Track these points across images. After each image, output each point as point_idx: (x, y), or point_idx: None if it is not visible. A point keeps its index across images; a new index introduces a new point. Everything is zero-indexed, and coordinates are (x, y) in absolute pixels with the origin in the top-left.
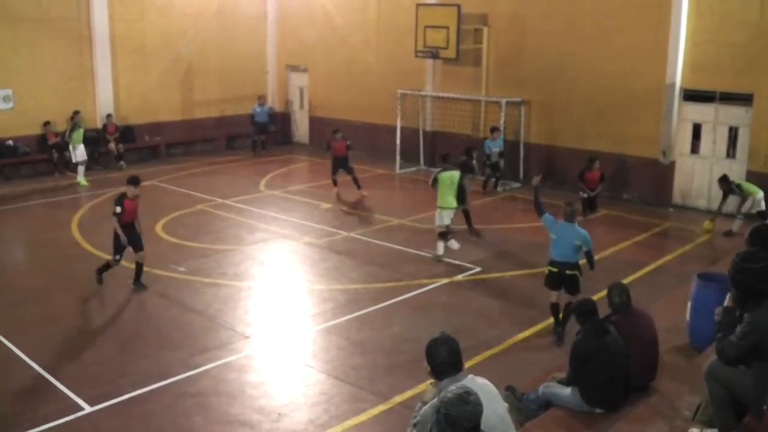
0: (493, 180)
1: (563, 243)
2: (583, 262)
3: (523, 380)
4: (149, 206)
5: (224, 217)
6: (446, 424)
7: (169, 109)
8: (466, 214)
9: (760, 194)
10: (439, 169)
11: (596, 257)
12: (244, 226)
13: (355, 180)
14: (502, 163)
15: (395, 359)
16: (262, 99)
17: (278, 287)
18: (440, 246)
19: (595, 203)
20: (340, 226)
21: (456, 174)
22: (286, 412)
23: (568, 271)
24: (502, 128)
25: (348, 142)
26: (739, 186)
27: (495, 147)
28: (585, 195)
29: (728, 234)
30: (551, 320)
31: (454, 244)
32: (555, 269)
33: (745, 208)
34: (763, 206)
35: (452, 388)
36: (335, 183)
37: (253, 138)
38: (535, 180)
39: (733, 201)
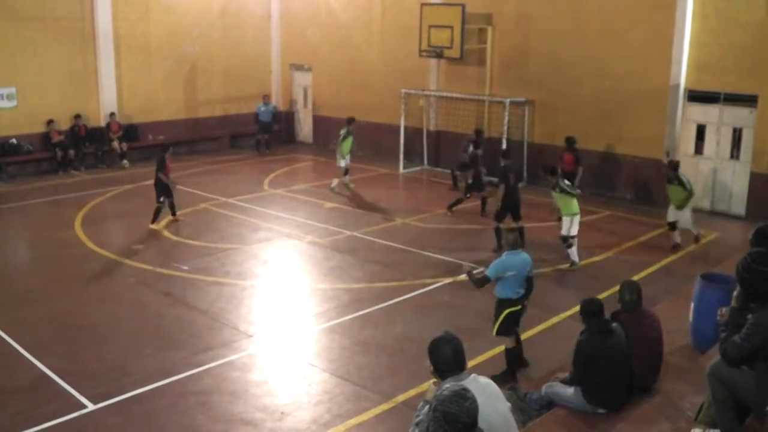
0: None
1: (520, 275)
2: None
3: (526, 380)
4: (152, 205)
5: (228, 216)
6: (444, 422)
7: (172, 108)
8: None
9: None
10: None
11: (600, 257)
12: (248, 225)
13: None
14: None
15: (398, 358)
16: (266, 98)
17: (281, 286)
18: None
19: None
20: (344, 226)
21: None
22: (289, 411)
23: (526, 302)
24: (505, 128)
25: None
26: (688, 190)
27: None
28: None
29: (697, 240)
30: (553, 320)
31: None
32: (518, 307)
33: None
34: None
35: (447, 386)
36: (162, 210)
37: (257, 137)
38: (464, 273)
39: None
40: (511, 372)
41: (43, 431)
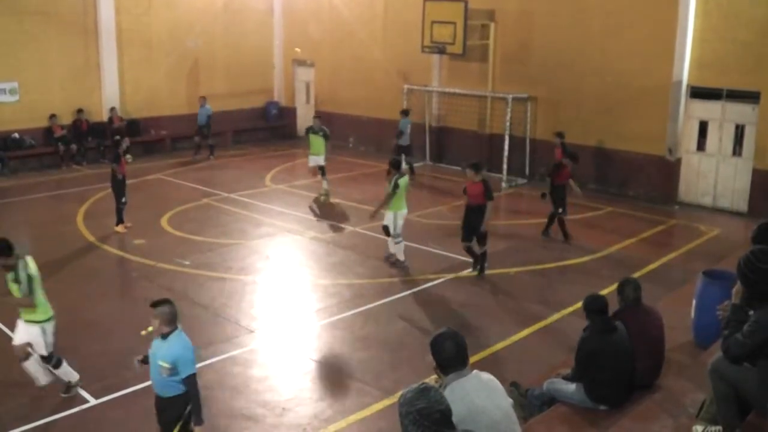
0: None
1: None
2: None
3: (528, 376)
4: (155, 200)
5: (230, 211)
6: (422, 418)
7: (175, 103)
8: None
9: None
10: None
11: (602, 253)
12: (250, 221)
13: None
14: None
15: (400, 354)
16: (201, 100)
17: (283, 282)
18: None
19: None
20: (346, 221)
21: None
22: (290, 407)
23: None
24: (507, 124)
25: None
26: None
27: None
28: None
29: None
30: (555, 316)
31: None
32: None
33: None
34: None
35: (407, 389)
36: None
37: (194, 140)
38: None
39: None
40: None
41: (46, 425)
